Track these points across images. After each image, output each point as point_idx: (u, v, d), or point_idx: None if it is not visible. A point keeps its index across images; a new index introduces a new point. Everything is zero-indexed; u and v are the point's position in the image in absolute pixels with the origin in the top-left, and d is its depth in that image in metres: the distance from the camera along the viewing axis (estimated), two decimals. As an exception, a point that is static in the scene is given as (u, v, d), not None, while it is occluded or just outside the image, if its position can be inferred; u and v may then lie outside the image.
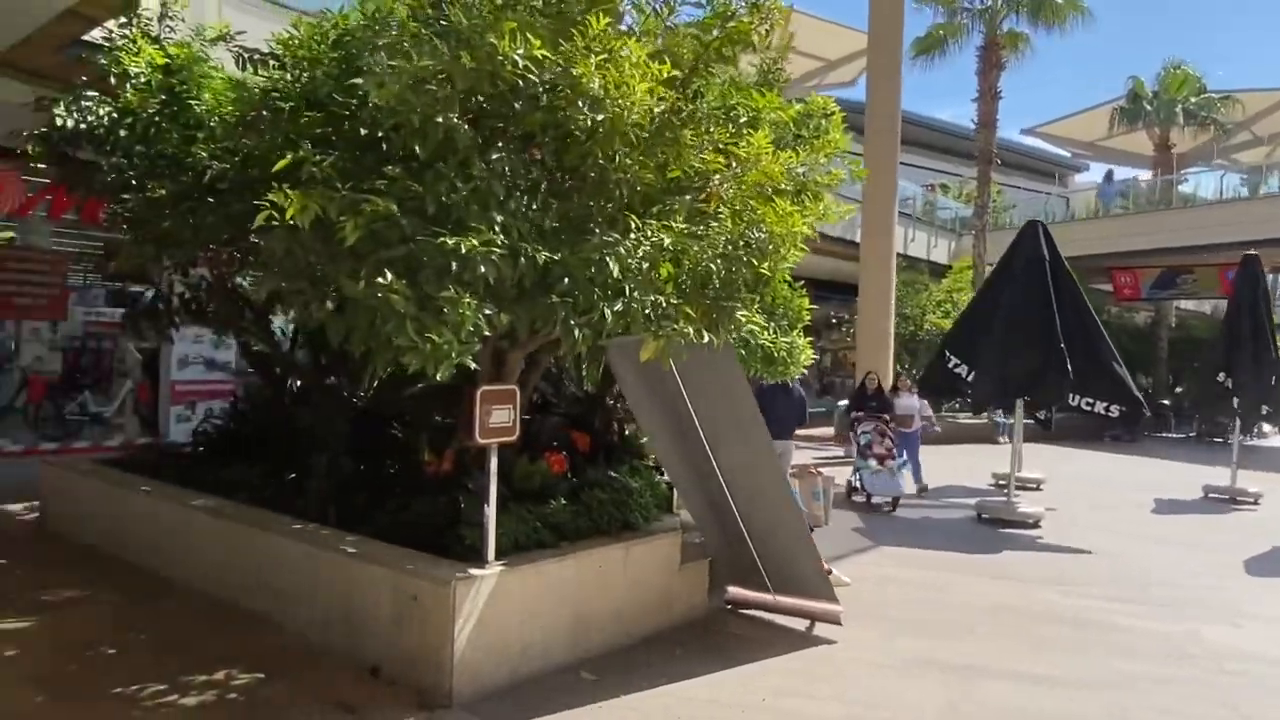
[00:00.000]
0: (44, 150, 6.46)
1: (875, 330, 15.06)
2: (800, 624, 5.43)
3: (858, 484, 10.29)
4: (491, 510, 4.35)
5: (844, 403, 15.07)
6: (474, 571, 4.19)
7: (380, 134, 4.52)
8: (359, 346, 4.24)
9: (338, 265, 4.34)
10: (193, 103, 6.20)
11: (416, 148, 3.99)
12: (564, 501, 5.00)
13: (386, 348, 4.12)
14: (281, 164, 3.92)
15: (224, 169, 5.75)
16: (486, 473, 4.36)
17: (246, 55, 5.90)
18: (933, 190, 28.70)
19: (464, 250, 3.57)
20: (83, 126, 6.15)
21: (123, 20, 6.73)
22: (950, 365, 9.36)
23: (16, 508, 8.04)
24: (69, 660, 4.43)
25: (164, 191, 5.78)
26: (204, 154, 5.94)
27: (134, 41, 6.56)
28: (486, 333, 3.75)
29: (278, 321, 8.09)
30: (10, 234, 13.97)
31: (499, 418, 4.35)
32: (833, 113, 5.35)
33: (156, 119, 6.28)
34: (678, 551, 5.29)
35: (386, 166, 4.12)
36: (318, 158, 3.90)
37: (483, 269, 3.66)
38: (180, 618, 5.13)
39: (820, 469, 8.81)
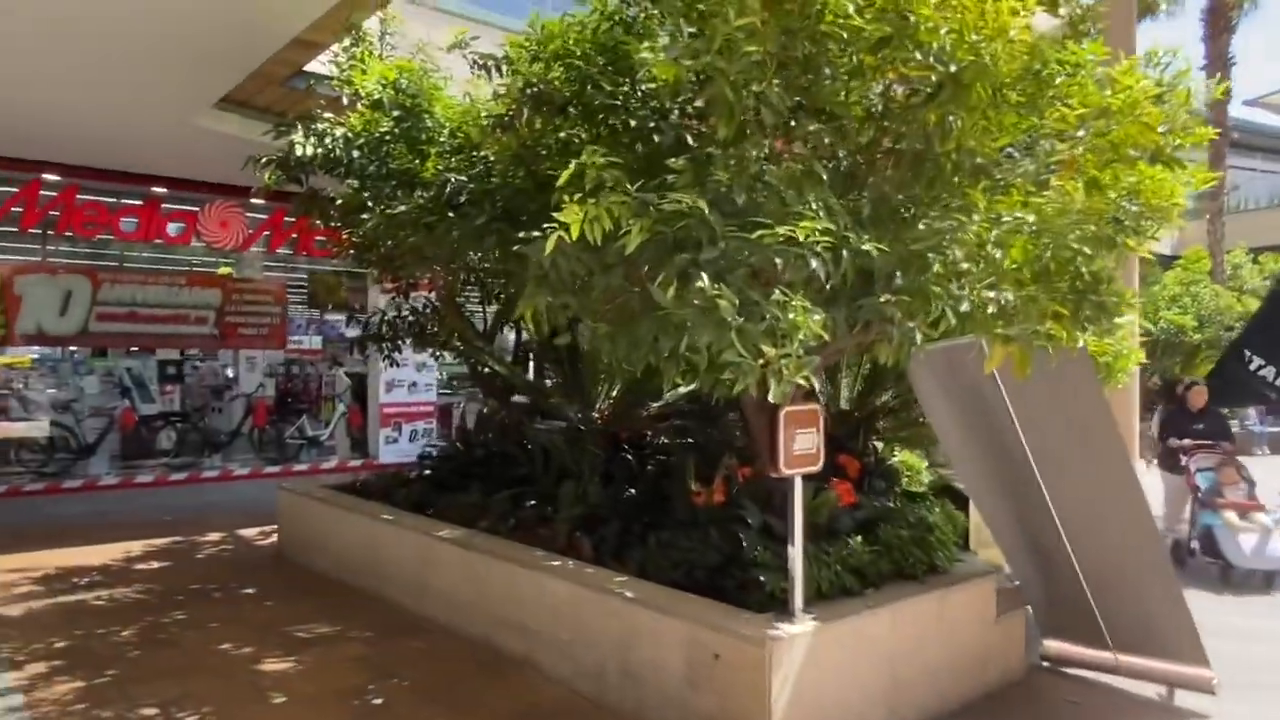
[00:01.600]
0: (279, 178, 6.42)
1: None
2: (1151, 690, 4.42)
3: (1197, 545, 7.02)
4: (798, 553, 3.68)
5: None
6: (788, 629, 3.52)
7: (652, 124, 3.99)
8: (640, 364, 3.70)
9: (609, 276, 3.83)
10: (425, 116, 5.98)
11: (715, 129, 3.41)
12: (860, 540, 4.25)
13: (670, 366, 3.57)
14: (567, 174, 3.42)
15: (463, 182, 5.45)
16: (790, 508, 3.69)
17: (481, 62, 5.59)
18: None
19: (802, 239, 2.92)
20: (319, 151, 6.05)
21: (347, 42, 6.64)
22: (1253, 367, 7.91)
23: (251, 532, 8.16)
24: (339, 711, 4.11)
25: (403, 208, 5.53)
26: (440, 168, 5.69)
27: (362, 60, 6.44)
28: (822, 340, 3.08)
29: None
30: (228, 269, 14.80)
31: (803, 443, 3.68)
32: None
33: (388, 137, 6.10)
34: (993, 600, 4.43)
35: (673, 160, 3.57)
36: (600, 159, 3.37)
37: (814, 264, 3.00)
38: (434, 659, 4.76)
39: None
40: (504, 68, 5.12)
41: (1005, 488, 4.34)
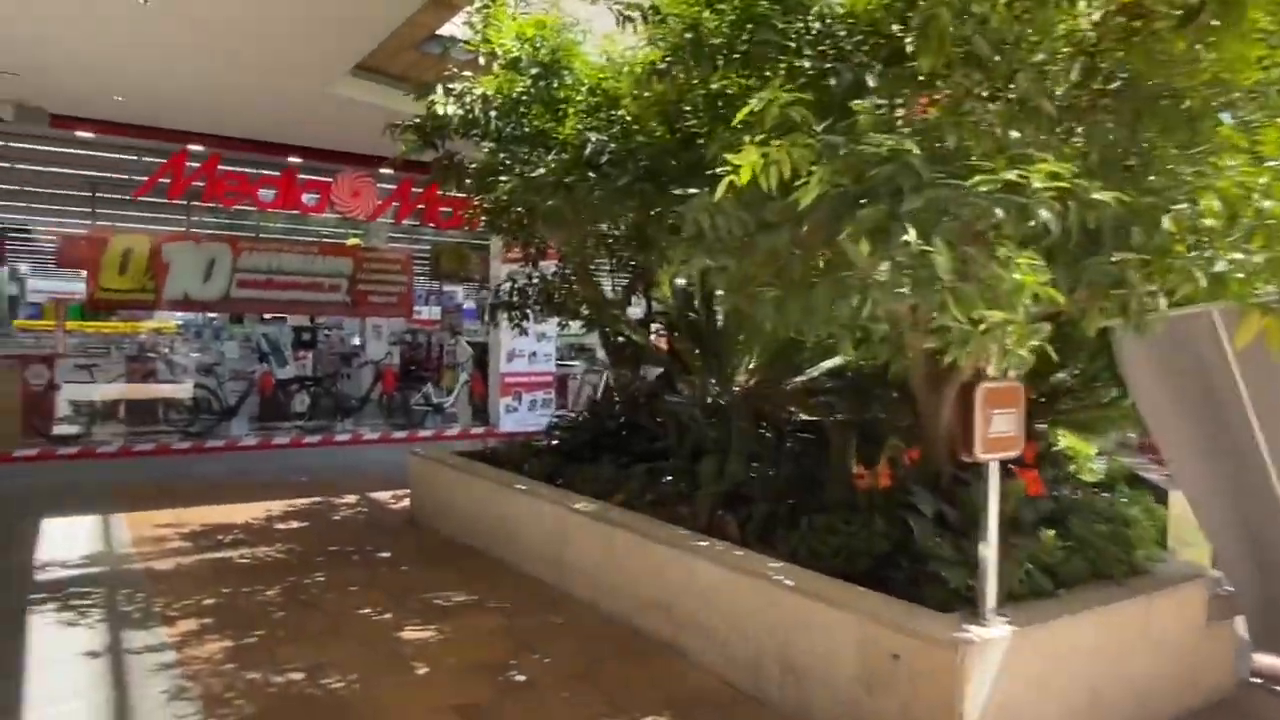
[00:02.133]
0: (416, 143, 6.28)
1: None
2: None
3: None
4: (992, 548, 3.25)
5: None
6: (980, 632, 3.11)
7: (828, 65, 3.58)
8: (812, 333, 3.33)
9: (775, 234, 3.46)
10: (565, 73, 5.72)
11: (905, 67, 2.99)
12: (1051, 534, 3.77)
13: (846, 334, 3.18)
14: (744, 112, 3.06)
15: (603, 141, 5.17)
16: (984, 498, 3.26)
17: (626, 11, 5.27)
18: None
19: (1038, 184, 2.48)
20: (458, 112, 5.88)
21: (481, 3, 6.42)
22: None
23: (383, 496, 8.23)
24: (483, 686, 3.95)
25: (541, 170, 5.30)
26: (579, 127, 5.42)
27: (498, 18, 6.22)
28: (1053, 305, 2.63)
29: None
30: (356, 239, 15.13)
31: (1001, 425, 3.24)
32: None
33: (524, 97, 5.88)
34: (1204, 607, 3.88)
35: (856, 101, 3.16)
36: (785, 95, 2.98)
37: (1044, 215, 2.55)
38: (575, 637, 4.57)
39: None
40: (650, 17, 4.79)
41: (1226, 481, 3.77)
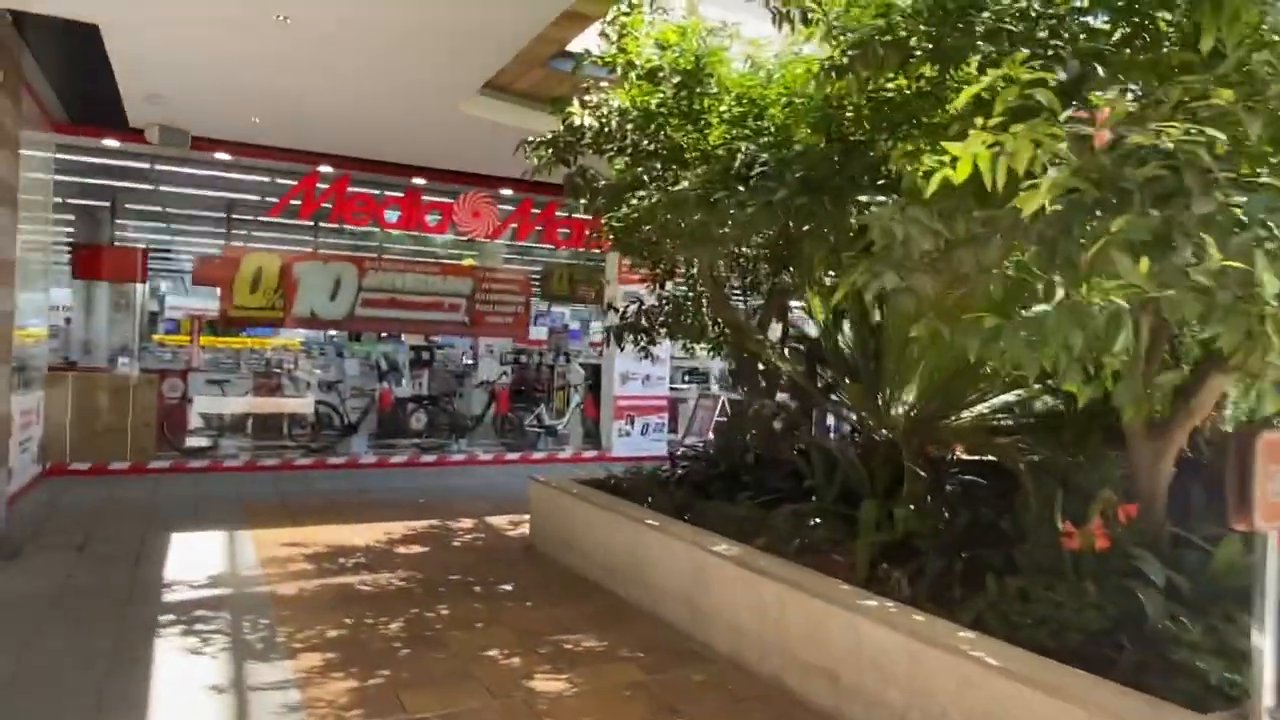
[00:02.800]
0: (548, 158, 6.02)
1: None
2: None
3: None
4: (1269, 639, 2.61)
5: None
6: (1265, 746, 2.48)
7: (1050, 52, 3.04)
8: (1034, 367, 2.78)
9: (981, 248, 2.95)
10: (708, 81, 5.34)
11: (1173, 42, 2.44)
12: None
13: (1075, 370, 2.63)
14: (969, 93, 2.57)
15: (754, 152, 4.74)
16: (1259, 576, 2.63)
17: (783, 10, 4.85)
18: None
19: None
20: (594, 125, 5.58)
21: (616, 11, 6.12)
22: None
23: (499, 521, 7.97)
24: (624, 753, 3.52)
25: (684, 184, 4.91)
26: (727, 136, 5.02)
27: (633, 28, 5.91)
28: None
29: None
30: (470, 259, 15.15)
31: (1282, 485, 2.61)
32: None
33: (661, 109, 5.53)
34: None
35: (1093, 94, 2.62)
36: (1025, 74, 2.47)
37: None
38: (722, 699, 4.07)
39: None
40: (813, 15, 4.34)
41: None
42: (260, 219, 14.47)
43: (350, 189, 10.32)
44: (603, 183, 6.14)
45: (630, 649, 4.68)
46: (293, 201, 10.25)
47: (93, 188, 12.80)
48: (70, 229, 13.93)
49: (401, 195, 10.53)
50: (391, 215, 10.55)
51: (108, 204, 13.78)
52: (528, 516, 7.29)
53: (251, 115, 8.41)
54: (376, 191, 10.59)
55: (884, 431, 5.16)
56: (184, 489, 8.85)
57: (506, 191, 11.22)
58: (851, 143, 4.61)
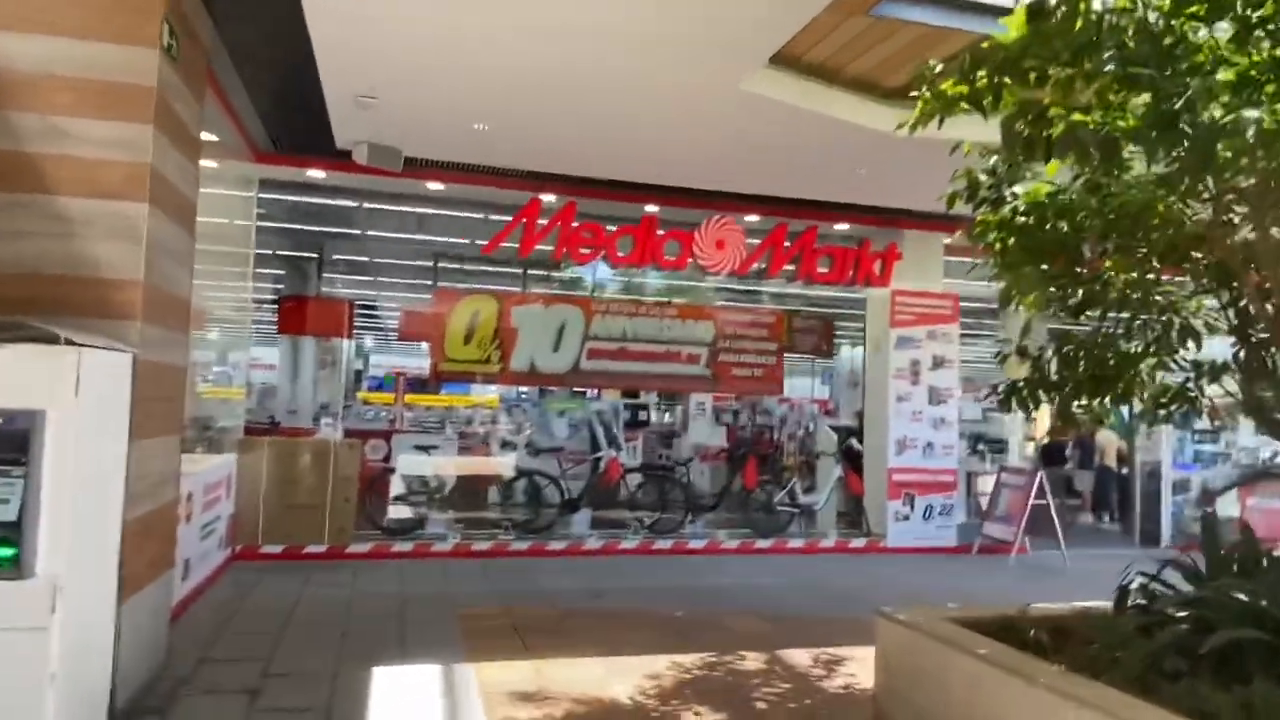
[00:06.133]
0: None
1: None
2: None
3: None
4: None
5: None
6: None
7: None
8: None
9: None
10: None
11: None
12: None
13: None
14: None
15: None
16: None
17: None
18: None
19: None
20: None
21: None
22: None
23: (800, 658, 5.44)
24: None
25: None
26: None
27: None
28: None
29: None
30: (674, 297, 12.98)
31: None
32: None
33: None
34: None
35: None
36: None
37: None
38: None
39: None
40: None
41: None
42: (466, 268, 13.12)
43: (575, 222, 8.44)
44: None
45: None
46: (505, 243, 8.42)
47: (300, 235, 11.83)
48: (279, 284, 13.15)
49: (635, 224, 8.55)
50: (622, 249, 8.57)
51: (315, 255, 12.87)
52: (843, 653, 4.85)
53: (474, 121, 6.65)
54: (604, 220, 8.65)
55: None
56: (386, 582, 7.02)
57: (752, 218, 9.03)
58: None
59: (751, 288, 12.20)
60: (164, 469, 4.69)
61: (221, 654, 5.04)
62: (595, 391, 14.81)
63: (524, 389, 21.49)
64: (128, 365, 3.97)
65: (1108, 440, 12.20)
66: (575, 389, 10.67)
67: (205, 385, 8.91)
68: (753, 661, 5.33)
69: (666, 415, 16.00)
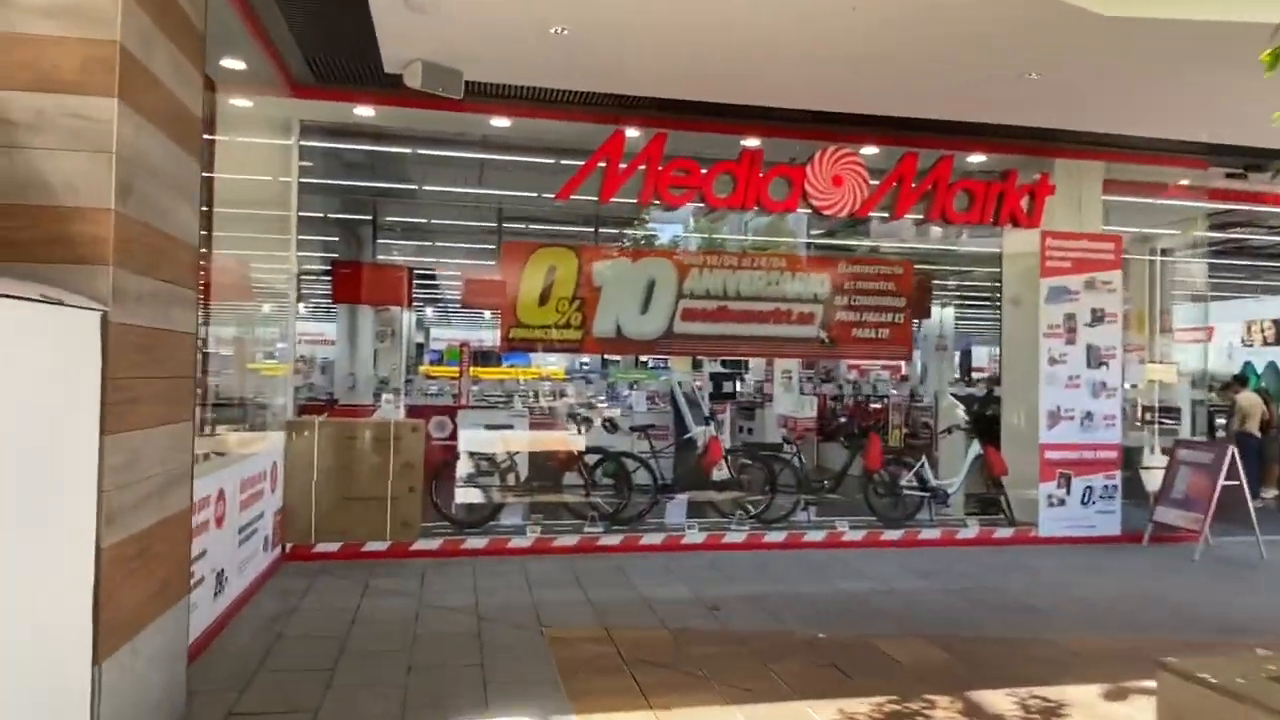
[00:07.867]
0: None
1: None
2: None
3: None
4: None
5: None
6: None
7: None
8: None
9: None
10: None
11: None
12: None
13: None
14: None
15: None
16: None
17: None
18: None
19: None
20: None
21: None
22: None
23: (1005, 705, 4.06)
24: None
25: None
26: None
27: None
28: None
29: None
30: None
31: None
32: None
33: None
34: None
35: None
36: None
37: None
38: None
39: None
40: None
41: None
42: (531, 227, 11.84)
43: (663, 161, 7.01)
44: None
45: None
46: (578, 195, 6.99)
47: (350, 195, 10.67)
48: (330, 252, 12.06)
49: (735, 160, 7.08)
50: (721, 190, 7.12)
51: (368, 218, 11.72)
52: (1055, 695, 3.52)
53: (552, 23, 5.25)
54: (700, 156, 7.19)
55: None
56: (458, 589, 5.82)
57: (870, 150, 7.50)
58: None
59: (821, 241, 10.64)
60: (170, 468, 3.48)
61: (255, 704, 3.86)
62: (664, 360, 13.26)
63: (584, 358, 20.09)
64: (92, 328, 2.73)
65: (1251, 403, 10.40)
66: (664, 356, 9.31)
67: (256, 362, 7.83)
68: (945, 711, 3.94)
69: (738, 385, 14.57)
